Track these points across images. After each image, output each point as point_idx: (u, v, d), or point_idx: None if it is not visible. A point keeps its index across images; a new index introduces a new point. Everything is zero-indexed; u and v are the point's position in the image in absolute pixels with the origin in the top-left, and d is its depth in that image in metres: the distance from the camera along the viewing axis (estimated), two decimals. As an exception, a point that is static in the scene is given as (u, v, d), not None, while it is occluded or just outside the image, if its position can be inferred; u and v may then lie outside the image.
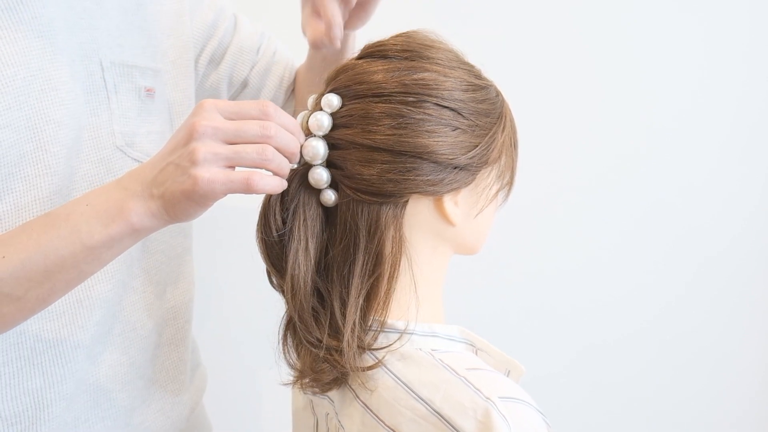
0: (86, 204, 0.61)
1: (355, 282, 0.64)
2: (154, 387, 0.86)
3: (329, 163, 0.65)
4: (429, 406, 0.60)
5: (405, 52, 0.66)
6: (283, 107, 1.02)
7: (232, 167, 0.59)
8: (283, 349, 0.69)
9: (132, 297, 0.81)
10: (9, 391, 0.72)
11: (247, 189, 0.59)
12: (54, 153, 0.70)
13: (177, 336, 0.90)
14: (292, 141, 0.62)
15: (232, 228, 1.31)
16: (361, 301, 0.64)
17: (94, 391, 0.78)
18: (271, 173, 0.61)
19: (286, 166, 0.62)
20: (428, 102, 0.63)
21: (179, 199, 0.59)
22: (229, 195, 0.59)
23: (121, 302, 0.80)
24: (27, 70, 0.68)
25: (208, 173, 0.57)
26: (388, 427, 0.62)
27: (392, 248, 0.65)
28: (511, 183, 0.73)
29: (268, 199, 0.66)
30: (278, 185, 0.61)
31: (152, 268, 0.84)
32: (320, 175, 0.64)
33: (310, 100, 0.68)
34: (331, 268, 0.66)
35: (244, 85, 0.99)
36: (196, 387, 0.96)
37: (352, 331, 0.63)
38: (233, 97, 1.01)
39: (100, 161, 0.75)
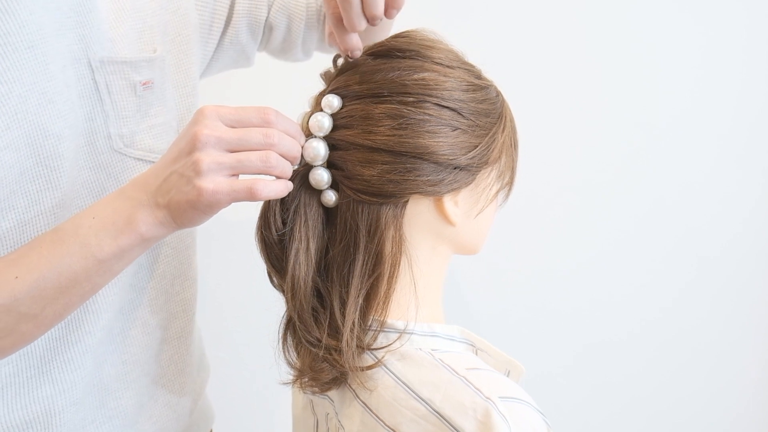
0: (92, 217, 0.61)
1: (355, 282, 0.64)
2: (161, 382, 0.85)
3: (330, 164, 0.65)
4: (429, 405, 0.60)
5: (405, 51, 0.66)
6: (321, 41, 0.97)
7: (236, 175, 0.59)
8: (283, 349, 0.69)
9: (131, 294, 0.80)
10: (19, 400, 0.72)
11: (252, 197, 0.59)
12: (55, 167, 0.69)
13: (185, 329, 0.89)
14: (295, 146, 0.62)
15: (232, 227, 1.31)
16: (360, 300, 0.64)
17: (99, 391, 0.78)
18: (273, 177, 0.61)
19: (290, 170, 0.62)
20: (428, 102, 0.63)
21: (185, 209, 0.59)
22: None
23: (122, 301, 0.79)
24: (21, 85, 0.65)
25: (212, 184, 0.58)
26: (388, 426, 0.62)
27: (392, 248, 0.65)
28: (511, 183, 0.73)
29: (269, 200, 0.66)
30: (282, 189, 0.61)
31: (155, 262, 0.83)
32: (321, 176, 0.65)
33: (311, 101, 0.68)
34: (331, 267, 0.66)
35: (270, 29, 0.95)
36: (202, 378, 0.96)
37: (352, 330, 0.63)
38: (265, 44, 0.97)
39: (99, 167, 0.74)
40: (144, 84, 0.77)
